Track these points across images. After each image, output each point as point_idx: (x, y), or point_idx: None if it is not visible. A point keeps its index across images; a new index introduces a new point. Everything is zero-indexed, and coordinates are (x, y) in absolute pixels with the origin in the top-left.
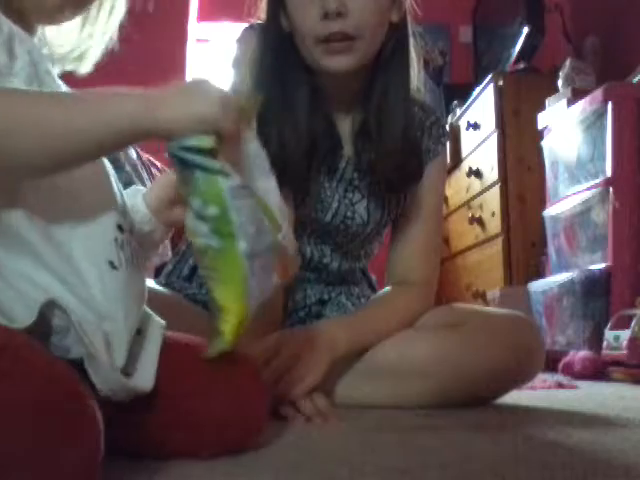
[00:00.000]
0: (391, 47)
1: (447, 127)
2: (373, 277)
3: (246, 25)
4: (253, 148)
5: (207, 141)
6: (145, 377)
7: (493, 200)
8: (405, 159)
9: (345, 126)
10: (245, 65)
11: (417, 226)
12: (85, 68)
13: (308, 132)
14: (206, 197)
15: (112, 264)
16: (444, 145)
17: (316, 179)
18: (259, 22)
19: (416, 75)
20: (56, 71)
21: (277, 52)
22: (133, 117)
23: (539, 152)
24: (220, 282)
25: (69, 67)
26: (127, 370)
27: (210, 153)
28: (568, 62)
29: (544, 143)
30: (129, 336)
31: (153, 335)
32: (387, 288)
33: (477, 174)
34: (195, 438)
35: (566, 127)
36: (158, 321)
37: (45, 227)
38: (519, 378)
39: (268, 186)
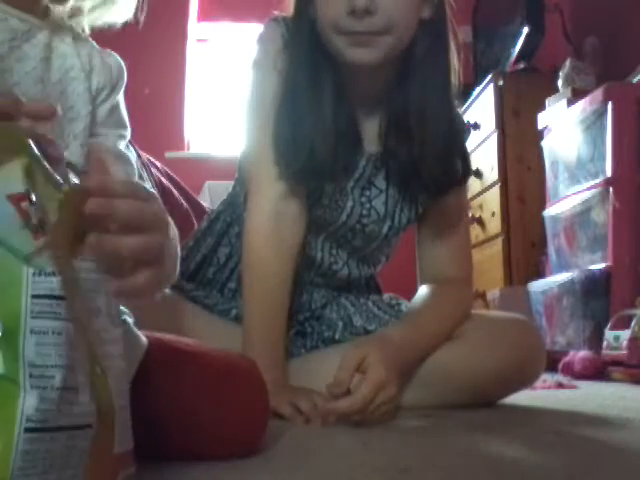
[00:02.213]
0: (426, 44)
1: None
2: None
3: (267, 22)
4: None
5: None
6: None
7: (493, 200)
8: (452, 161)
9: (368, 123)
10: (269, 65)
11: (451, 222)
12: (120, 14)
13: (332, 131)
14: None
15: None
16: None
17: (332, 178)
18: (284, 16)
19: (456, 76)
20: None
21: (307, 44)
22: None
23: (539, 152)
24: None
25: (108, 18)
26: None
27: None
28: (568, 62)
29: (544, 143)
30: None
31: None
32: (427, 287)
33: (477, 174)
34: (196, 440)
35: (566, 127)
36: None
37: None
38: (521, 382)
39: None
